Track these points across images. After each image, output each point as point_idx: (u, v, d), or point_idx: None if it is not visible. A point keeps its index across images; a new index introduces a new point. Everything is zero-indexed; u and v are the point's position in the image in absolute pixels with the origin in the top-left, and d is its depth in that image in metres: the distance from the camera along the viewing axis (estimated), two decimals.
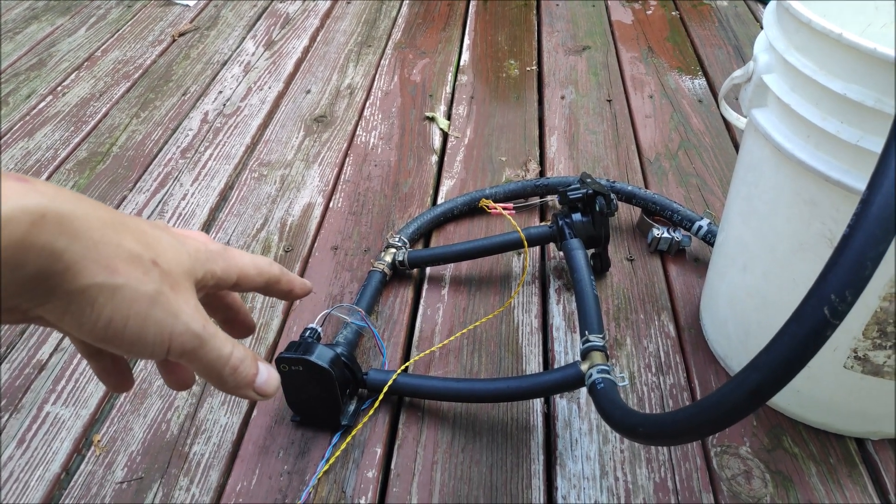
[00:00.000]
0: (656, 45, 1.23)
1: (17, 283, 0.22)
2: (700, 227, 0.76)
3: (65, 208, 0.23)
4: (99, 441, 0.61)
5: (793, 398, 0.60)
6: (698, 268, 0.77)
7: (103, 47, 1.26)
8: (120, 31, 1.31)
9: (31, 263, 0.22)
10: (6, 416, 0.63)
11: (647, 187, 0.90)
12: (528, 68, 1.17)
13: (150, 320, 0.25)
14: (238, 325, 0.36)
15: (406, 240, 0.76)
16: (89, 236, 0.23)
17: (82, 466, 0.59)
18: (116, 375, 0.31)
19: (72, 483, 0.58)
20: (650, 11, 1.35)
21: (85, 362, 0.68)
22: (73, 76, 1.17)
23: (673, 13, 1.34)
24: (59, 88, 1.14)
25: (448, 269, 0.78)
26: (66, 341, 0.70)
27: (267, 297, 0.74)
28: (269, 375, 0.30)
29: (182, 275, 0.27)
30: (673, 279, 0.76)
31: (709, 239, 0.76)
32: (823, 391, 0.57)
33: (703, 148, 0.97)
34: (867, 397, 0.55)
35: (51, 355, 0.69)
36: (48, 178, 0.93)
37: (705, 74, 1.15)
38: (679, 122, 1.03)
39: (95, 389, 0.65)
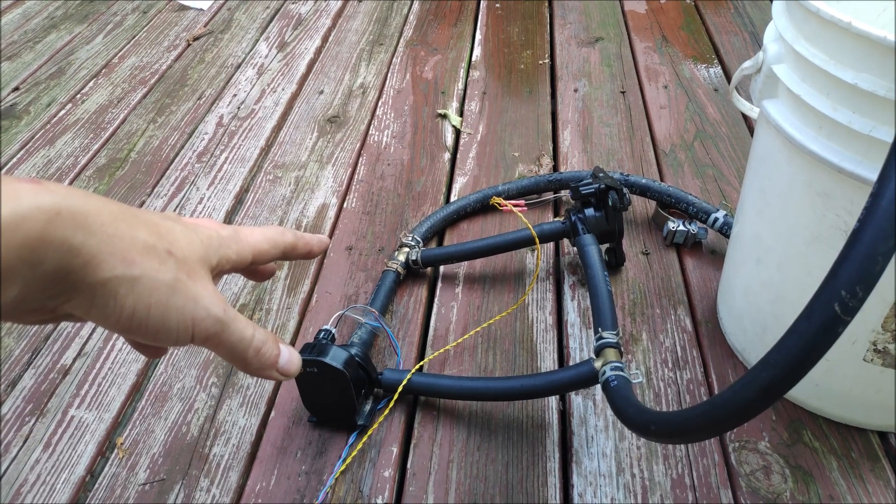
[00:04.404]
0: (670, 34, 1.22)
1: (39, 279, 0.23)
2: (716, 220, 0.76)
3: (78, 205, 0.23)
4: (122, 444, 0.62)
5: (812, 391, 0.59)
6: (715, 260, 0.76)
7: (120, 54, 1.27)
8: (136, 38, 1.32)
9: (49, 260, 0.23)
10: (32, 421, 0.65)
11: (662, 179, 0.89)
12: (540, 62, 1.17)
13: (172, 307, 0.26)
14: (260, 274, 0.37)
15: (419, 239, 0.77)
16: (104, 230, 0.24)
17: (106, 469, 0.60)
18: (150, 348, 0.33)
19: (96, 485, 0.59)
20: (664, 0, 1.33)
21: (107, 367, 0.69)
22: (91, 83, 1.19)
23: (687, 1, 1.32)
24: (79, 96, 1.16)
25: (462, 268, 0.78)
26: (89, 346, 0.71)
27: (283, 300, 0.75)
28: (290, 356, 0.31)
29: (197, 262, 0.27)
30: (689, 272, 0.75)
31: (725, 231, 0.75)
32: (843, 384, 0.56)
33: (720, 138, 0.95)
34: (888, 390, 0.55)
35: (74, 360, 0.70)
36: (69, 185, 0.95)
37: (721, 62, 1.13)
38: (695, 111, 1.01)
39: (118, 393, 0.67)
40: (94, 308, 0.25)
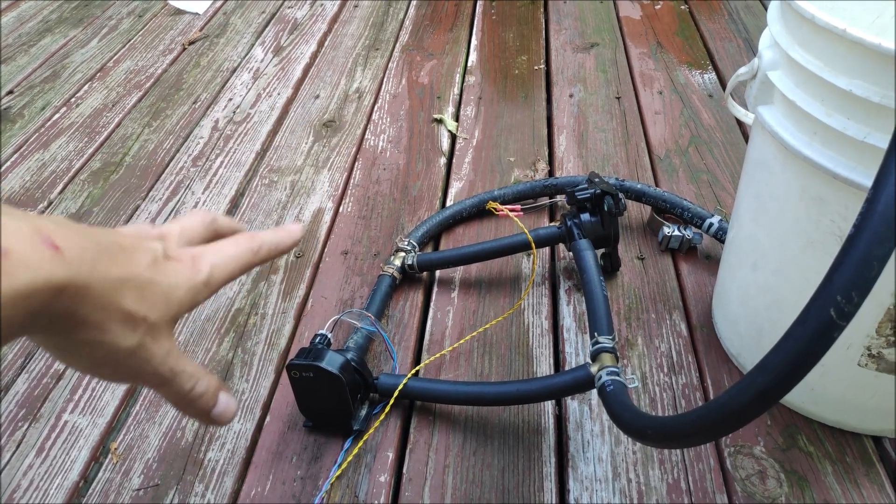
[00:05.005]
0: (665, 40, 1.22)
1: (22, 331, 0.25)
2: (711, 225, 0.76)
3: (82, 278, 0.25)
4: (116, 449, 0.62)
5: (807, 396, 0.59)
6: (710, 266, 0.77)
7: (115, 58, 1.27)
8: (131, 41, 1.32)
9: (40, 323, 0.24)
10: (26, 426, 0.64)
11: (657, 185, 0.89)
12: (535, 67, 1.17)
13: (123, 367, 0.28)
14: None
15: (415, 243, 0.77)
16: (96, 302, 0.26)
17: (100, 474, 0.60)
18: None
19: (90, 490, 0.59)
20: (659, 6, 1.34)
21: None
22: (86, 87, 1.19)
23: (682, 7, 1.33)
24: (73, 100, 1.15)
25: (457, 272, 0.78)
26: None
27: (279, 305, 0.75)
28: (225, 407, 0.32)
29: (167, 322, 0.29)
30: (684, 277, 0.75)
31: (720, 236, 0.75)
32: (837, 389, 0.57)
33: (714, 143, 0.96)
34: (882, 395, 0.55)
35: None
36: (63, 190, 0.95)
37: (715, 69, 1.13)
38: (689, 117, 1.02)
39: (112, 398, 0.66)
40: (54, 348, 0.27)
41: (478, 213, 0.84)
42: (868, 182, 0.42)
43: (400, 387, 0.60)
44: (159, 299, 0.28)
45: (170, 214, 0.89)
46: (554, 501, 0.56)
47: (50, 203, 0.93)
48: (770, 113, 0.51)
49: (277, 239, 0.35)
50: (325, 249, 0.82)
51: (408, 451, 0.60)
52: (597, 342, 0.55)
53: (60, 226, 0.25)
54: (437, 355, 0.68)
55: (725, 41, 1.21)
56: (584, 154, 0.95)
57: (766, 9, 1.31)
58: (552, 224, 0.76)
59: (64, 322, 0.25)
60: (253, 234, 0.34)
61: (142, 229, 0.32)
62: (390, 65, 1.20)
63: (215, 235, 0.35)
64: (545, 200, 0.87)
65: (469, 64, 1.19)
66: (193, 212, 0.34)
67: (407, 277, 0.76)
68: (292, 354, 0.67)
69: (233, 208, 0.90)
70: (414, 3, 1.41)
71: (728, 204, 0.85)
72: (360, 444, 0.60)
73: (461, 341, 0.69)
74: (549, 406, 0.63)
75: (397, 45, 1.26)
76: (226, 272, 0.32)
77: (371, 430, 0.61)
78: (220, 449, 0.61)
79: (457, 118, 1.05)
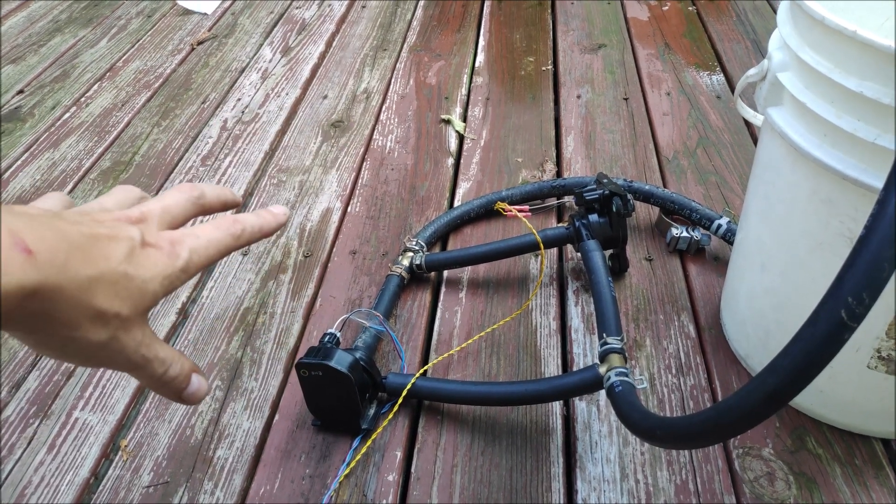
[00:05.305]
0: (673, 42, 1.22)
1: None
2: (719, 226, 0.76)
3: (53, 281, 0.25)
4: (126, 446, 0.62)
5: (816, 398, 0.59)
6: (718, 267, 0.77)
7: (125, 57, 1.28)
8: (140, 41, 1.33)
9: (13, 321, 0.25)
10: (37, 423, 0.65)
11: (665, 186, 0.89)
12: (543, 68, 1.17)
13: (95, 357, 0.28)
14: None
15: (423, 243, 0.77)
16: (67, 302, 0.26)
17: (110, 471, 0.60)
18: None
19: (100, 487, 0.59)
20: (666, 7, 1.34)
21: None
22: (95, 87, 1.19)
23: (689, 8, 1.33)
24: (83, 99, 1.16)
25: (465, 272, 0.78)
26: None
27: (287, 304, 0.75)
28: (196, 388, 0.32)
29: (140, 314, 0.29)
30: (693, 279, 0.75)
31: (728, 238, 0.75)
32: (847, 391, 0.57)
33: (722, 145, 0.96)
34: (891, 397, 0.55)
35: None
36: (73, 189, 0.95)
37: (723, 70, 1.13)
38: (697, 118, 1.02)
39: (122, 395, 0.67)
40: (24, 338, 0.27)
41: (486, 213, 0.85)
42: (878, 184, 0.42)
43: (408, 386, 0.60)
44: (133, 293, 0.28)
45: None
46: (562, 502, 0.56)
47: None
48: (780, 114, 0.51)
49: (261, 222, 0.35)
50: (334, 249, 0.82)
51: (416, 450, 0.60)
52: (605, 343, 0.55)
53: (35, 224, 0.25)
54: (445, 355, 0.68)
55: (733, 42, 1.21)
56: (592, 155, 0.96)
57: (774, 10, 1.30)
58: (560, 225, 0.76)
59: (35, 319, 0.25)
60: (235, 217, 0.34)
61: (123, 207, 0.32)
62: (398, 65, 1.20)
63: (202, 210, 0.35)
64: (553, 201, 0.87)
65: (477, 65, 1.20)
66: (179, 186, 0.34)
67: (415, 277, 0.77)
68: (301, 353, 0.68)
69: (242, 208, 0.90)
70: (421, 3, 1.41)
71: (736, 205, 0.85)
72: (369, 443, 0.60)
73: (469, 341, 0.69)
74: (556, 406, 0.63)
75: (405, 45, 1.27)
76: (205, 257, 0.32)
77: (379, 430, 0.61)
78: (230, 447, 0.62)
79: (464, 119, 1.05)
